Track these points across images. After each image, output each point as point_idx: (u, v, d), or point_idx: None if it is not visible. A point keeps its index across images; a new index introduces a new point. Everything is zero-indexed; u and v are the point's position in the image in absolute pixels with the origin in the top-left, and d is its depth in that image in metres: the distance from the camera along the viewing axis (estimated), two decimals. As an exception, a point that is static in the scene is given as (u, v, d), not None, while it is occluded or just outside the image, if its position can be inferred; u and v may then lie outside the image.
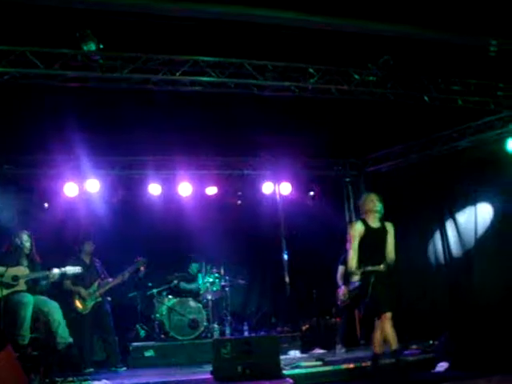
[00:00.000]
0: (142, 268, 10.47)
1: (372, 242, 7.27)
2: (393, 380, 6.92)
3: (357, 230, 7.33)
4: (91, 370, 9.02)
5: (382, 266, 7.16)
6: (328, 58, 8.91)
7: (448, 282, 11.38)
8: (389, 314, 7.05)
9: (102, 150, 11.11)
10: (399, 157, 12.42)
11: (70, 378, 7.67)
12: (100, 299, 9.53)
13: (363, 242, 7.28)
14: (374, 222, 7.37)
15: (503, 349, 7.27)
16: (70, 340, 8.29)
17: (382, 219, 7.43)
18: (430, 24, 7.80)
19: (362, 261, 7.26)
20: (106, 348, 9.62)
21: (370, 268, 7.14)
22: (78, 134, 9.92)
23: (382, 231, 7.37)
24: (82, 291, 9.38)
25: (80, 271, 8.73)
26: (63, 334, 8.17)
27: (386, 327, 7.03)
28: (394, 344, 7.01)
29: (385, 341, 7.10)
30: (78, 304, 9.38)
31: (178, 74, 8.49)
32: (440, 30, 7.95)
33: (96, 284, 9.53)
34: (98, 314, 9.49)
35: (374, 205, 7.37)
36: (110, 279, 9.73)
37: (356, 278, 7.29)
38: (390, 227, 7.45)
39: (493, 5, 7.19)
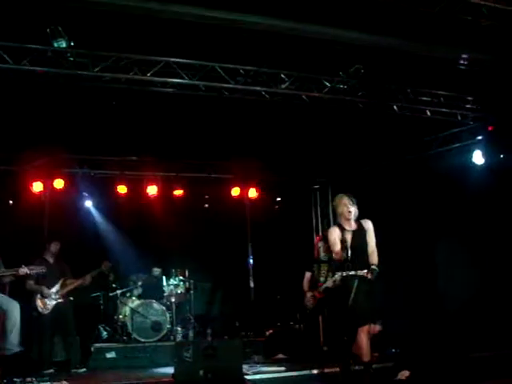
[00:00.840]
0: (108, 273, 10.48)
1: (351, 247, 6.77)
2: None
3: (334, 234, 6.92)
4: (51, 370, 8.88)
5: (365, 271, 6.75)
6: (300, 65, 8.95)
7: (412, 291, 11.46)
8: (366, 328, 6.75)
9: (70, 148, 11.01)
10: (367, 165, 12.52)
11: (29, 379, 7.54)
12: (62, 299, 9.41)
13: (342, 247, 6.82)
14: (349, 225, 6.98)
15: (464, 358, 7.35)
16: (19, 349, 8.00)
17: (358, 219, 7.02)
18: (402, 35, 7.89)
19: (343, 268, 6.79)
20: (67, 348, 9.49)
21: (352, 273, 6.73)
22: (47, 131, 9.81)
23: (360, 232, 6.96)
24: (45, 290, 9.26)
25: (44, 271, 8.59)
26: (13, 341, 7.83)
27: (361, 339, 6.70)
28: (366, 356, 6.70)
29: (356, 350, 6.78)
30: (40, 303, 9.25)
31: (149, 74, 8.44)
32: (412, 41, 8.04)
33: (59, 284, 9.41)
34: (59, 314, 9.36)
35: (346, 209, 6.96)
36: (74, 280, 9.61)
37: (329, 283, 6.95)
38: (367, 225, 7.06)
39: (463, 19, 7.28)
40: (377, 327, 7.04)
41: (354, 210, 6.98)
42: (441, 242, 11.27)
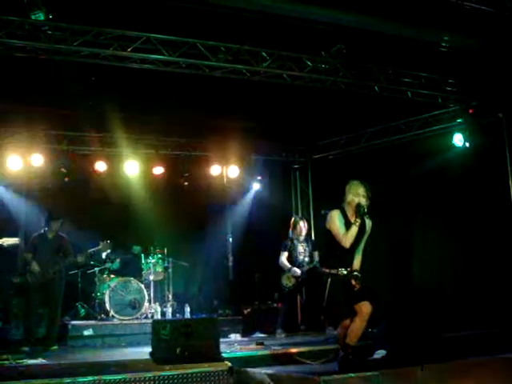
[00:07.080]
0: (104, 252, 10.58)
1: (352, 243, 6.19)
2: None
3: (338, 219, 6.14)
4: (26, 349, 8.78)
5: (345, 272, 6.16)
6: (282, 44, 8.89)
7: (389, 271, 11.53)
8: (364, 310, 6.13)
9: (48, 124, 10.89)
10: (347, 145, 12.55)
11: (5, 356, 7.46)
12: (53, 276, 9.27)
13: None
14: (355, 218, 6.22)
15: (438, 338, 7.41)
16: None
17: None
18: (385, 16, 7.86)
19: (328, 260, 6.30)
20: (47, 325, 9.41)
21: (344, 271, 6.17)
22: (25, 106, 9.69)
23: (363, 230, 6.28)
24: (35, 267, 9.14)
25: (17, 243, 8.50)
26: None
27: (354, 321, 6.19)
28: (350, 339, 6.22)
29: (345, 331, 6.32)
30: (29, 278, 9.18)
31: (129, 50, 8.34)
32: (395, 23, 8.01)
33: (51, 261, 9.27)
34: (48, 291, 9.27)
35: (358, 200, 6.17)
36: (70, 258, 9.47)
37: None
38: (368, 225, 6.35)
39: (446, 2, 7.26)
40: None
41: (366, 203, 6.20)
42: (419, 223, 11.32)
